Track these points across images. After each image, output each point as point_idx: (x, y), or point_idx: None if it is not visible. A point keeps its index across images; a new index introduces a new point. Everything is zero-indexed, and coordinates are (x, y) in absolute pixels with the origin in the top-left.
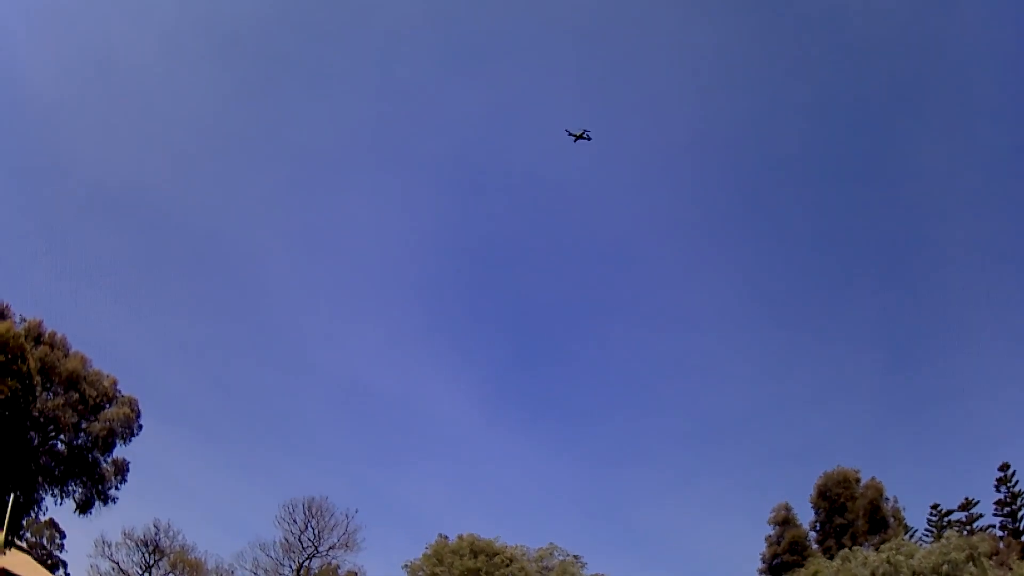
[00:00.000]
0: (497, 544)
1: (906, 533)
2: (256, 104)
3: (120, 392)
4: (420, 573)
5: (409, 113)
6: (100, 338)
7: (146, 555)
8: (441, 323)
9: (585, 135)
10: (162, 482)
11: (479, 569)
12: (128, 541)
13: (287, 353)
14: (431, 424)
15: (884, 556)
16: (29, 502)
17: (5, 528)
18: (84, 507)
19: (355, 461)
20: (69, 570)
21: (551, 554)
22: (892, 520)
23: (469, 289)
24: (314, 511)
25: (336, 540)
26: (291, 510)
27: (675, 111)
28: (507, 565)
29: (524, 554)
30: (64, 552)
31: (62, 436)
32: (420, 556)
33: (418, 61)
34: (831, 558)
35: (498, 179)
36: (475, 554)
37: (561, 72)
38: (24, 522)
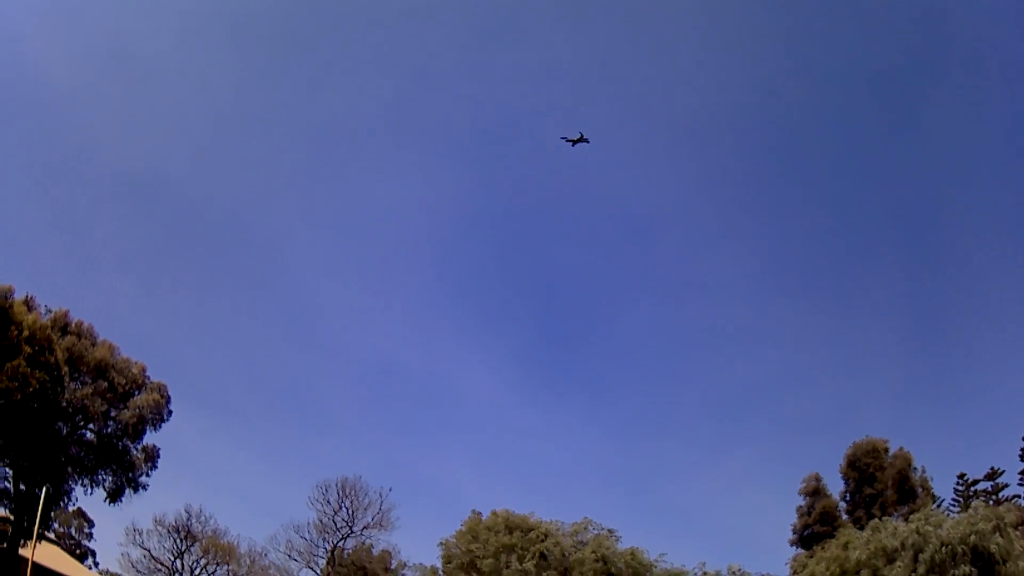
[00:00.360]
0: (532, 519)
1: (934, 503)
2: (272, 86)
3: (149, 378)
4: (455, 550)
5: (427, 90)
6: (128, 325)
7: (178, 541)
8: (467, 298)
9: (583, 138)
10: (193, 467)
11: (514, 545)
12: (159, 528)
13: (314, 333)
14: (461, 400)
15: (913, 527)
16: (58, 494)
17: (37, 522)
18: (114, 496)
19: (387, 440)
20: (98, 559)
21: (585, 528)
22: (920, 490)
23: (493, 264)
24: (348, 491)
25: (370, 519)
26: (324, 491)
27: (696, 81)
28: (542, 540)
29: (559, 529)
30: (93, 541)
31: (91, 425)
32: (454, 533)
33: (435, 35)
34: (861, 528)
35: (522, 153)
36: (510, 530)
37: (582, 39)
38: (52, 513)
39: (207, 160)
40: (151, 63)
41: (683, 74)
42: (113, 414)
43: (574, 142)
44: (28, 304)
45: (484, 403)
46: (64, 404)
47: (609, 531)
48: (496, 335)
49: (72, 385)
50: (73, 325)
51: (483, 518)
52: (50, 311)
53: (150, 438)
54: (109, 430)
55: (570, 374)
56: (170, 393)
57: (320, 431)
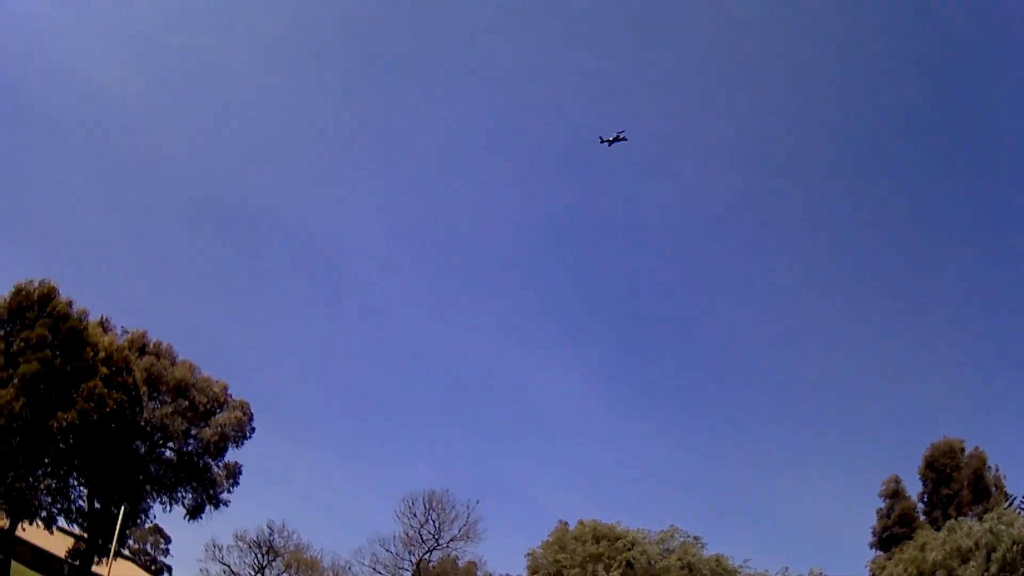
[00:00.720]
0: (619, 528)
1: (1006, 502)
2: (354, 102)
3: (231, 397)
4: (542, 560)
5: (512, 99)
6: (209, 343)
7: (259, 556)
8: (551, 307)
9: (620, 136)
10: (277, 482)
11: (601, 554)
12: (240, 543)
13: (398, 347)
14: (546, 410)
15: (987, 526)
16: (135, 511)
17: (114, 540)
18: (194, 512)
19: (474, 451)
20: (174, 575)
21: (672, 536)
22: (994, 489)
23: (576, 273)
24: (434, 504)
25: (457, 532)
26: (411, 504)
27: (773, 80)
28: (628, 549)
29: (645, 537)
30: (169, 557)
31: (171, 444)
32: (541, 544)
33: (523, 49)
34: (938, 529)
35: (602, 163)
36: (597, 539)
37: (666, 50)
38: (128, 530)
39: (285, 176)
40: (228, 81)
41: (751, 82)
42: (194, 432)
43: (611, 141)
44: (103, 325)
45: (569, 412)
46: (143, 423)
47: (695, 538)
48: (579, 344)
49: (151, 404)
50: (152, 345)
51: (570, 528)
52: (127, 332)
53: (232, 455)
54: (189, 448)
55: (651, 382)
56: (253, 411)
57: (406, 445)
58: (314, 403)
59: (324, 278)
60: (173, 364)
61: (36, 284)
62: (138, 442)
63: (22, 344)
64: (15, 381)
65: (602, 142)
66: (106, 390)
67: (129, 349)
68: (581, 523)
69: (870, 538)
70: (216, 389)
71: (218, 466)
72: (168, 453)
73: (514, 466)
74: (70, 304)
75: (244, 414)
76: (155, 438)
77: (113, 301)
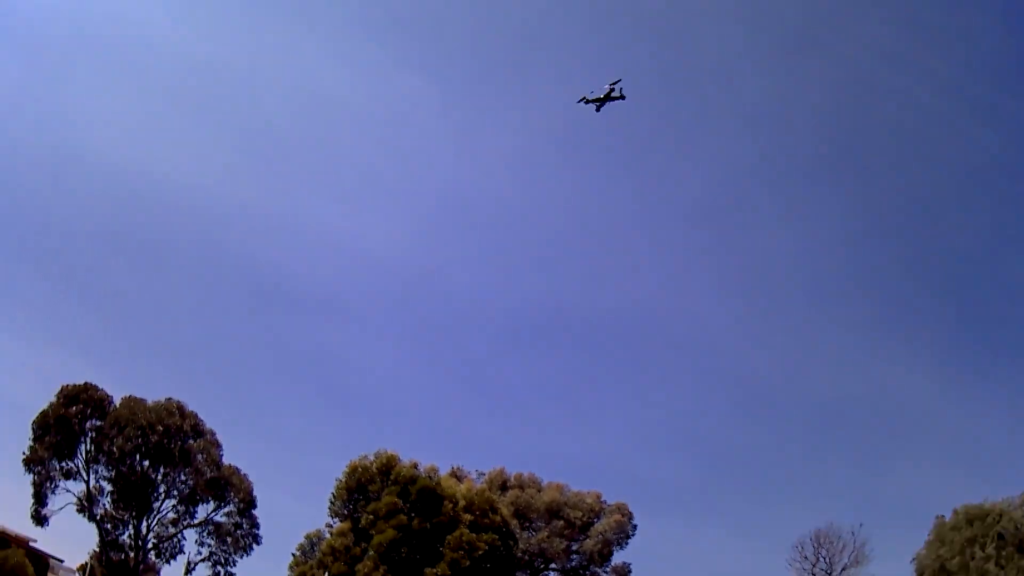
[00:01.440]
0: (986, 505)
1: None
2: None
3: (606, 503)
4: (926, 562)
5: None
6: (568, 453)
7: None
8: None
9: (613, 94)
10: (669, 565)
11: (975, 536)
12: None
13: (754, 398)
14: (898, 411)
15: None
16: None
17: None
18: None
19: (842, 477)
20: None
21: None
22: None
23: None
24: (822, 540)
25: (847, 560)
26: (800, 548)
27: None
28: (997, 522)
29: (1009, 505)
30: None
31: (553, 564)
32: (924, 543)
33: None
34: None
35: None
36: (970, 521)
37: None
38: None
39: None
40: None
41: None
42: (575, 548)
43: (599, 103)
44: (456, 475)
45: (917, 406)
46: (520, 554)
47: None
48: (907, 333)
49: (525, 535)
50: (512, 479)
51: (946, 519)
52: (482, 474)
53: (618, 556)
54: (573, 563)
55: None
56: (632, 509)
57: (777, 494)
58: (687, 479)
59: (662, 352)
60: (539, 490)
61: (372, 458)
62: (518, 573)
63: (371, 517)
64: (371, 553)
65: (587, 103)
66: (474, 535)
67: (490, 489)
68: (955, 511)
69: None
70: (589, 501)
71: (606, 572)
72: (552, 575)
73: (882, 477)
74: (415, 466)
75: (623, 515)
76: (535, 564)
77: (458, 448)
